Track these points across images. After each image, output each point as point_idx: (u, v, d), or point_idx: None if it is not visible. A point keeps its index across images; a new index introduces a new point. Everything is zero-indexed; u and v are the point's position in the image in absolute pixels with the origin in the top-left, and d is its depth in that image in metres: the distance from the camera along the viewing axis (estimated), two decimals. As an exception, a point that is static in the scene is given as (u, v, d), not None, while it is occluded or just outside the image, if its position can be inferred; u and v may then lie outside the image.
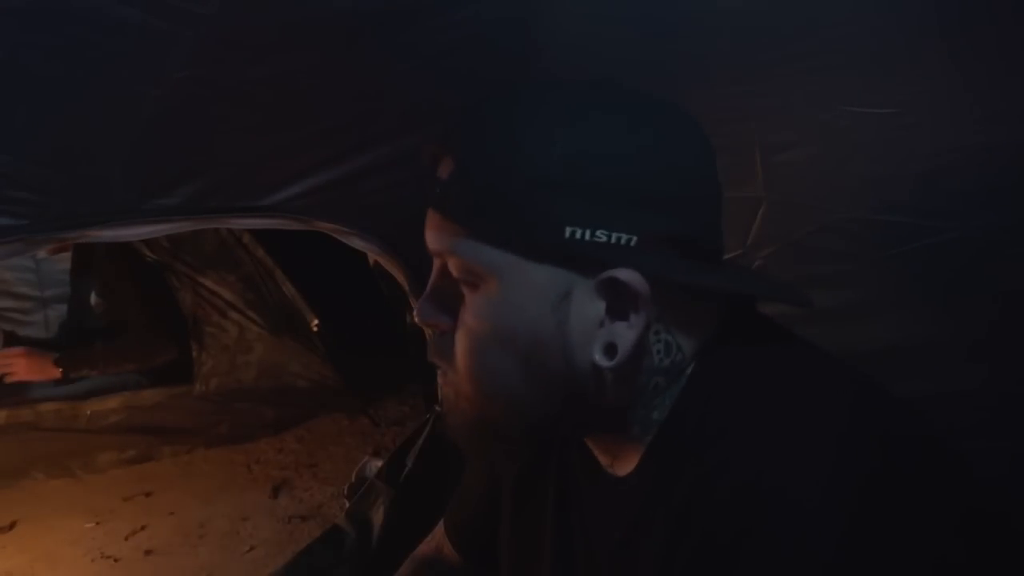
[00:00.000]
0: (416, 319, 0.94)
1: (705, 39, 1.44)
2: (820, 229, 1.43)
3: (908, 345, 1.42)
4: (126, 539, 2.63)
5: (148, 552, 2.56)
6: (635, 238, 0.79)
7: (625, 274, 0.79)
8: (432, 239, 0.89)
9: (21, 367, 3.02)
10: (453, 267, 0.87)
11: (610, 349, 0.83)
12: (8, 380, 3.04)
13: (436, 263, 0.92)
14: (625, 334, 0.82)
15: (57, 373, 3.00)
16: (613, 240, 0.79)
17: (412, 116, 1.67)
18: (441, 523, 1.36)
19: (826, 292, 1.46)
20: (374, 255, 1.91)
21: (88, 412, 2.98)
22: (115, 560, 2.53)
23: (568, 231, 0.79)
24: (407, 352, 2.28)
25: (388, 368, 3.13)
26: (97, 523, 2.73)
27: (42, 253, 3.18)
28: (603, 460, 0.95)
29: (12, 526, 2.69)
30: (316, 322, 3.05)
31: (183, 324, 3.08)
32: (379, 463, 2.33)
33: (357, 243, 1.84)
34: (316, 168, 1.65)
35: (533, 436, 0.96)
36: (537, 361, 0.85)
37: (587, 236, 0.79)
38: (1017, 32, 1.27)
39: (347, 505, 2.25)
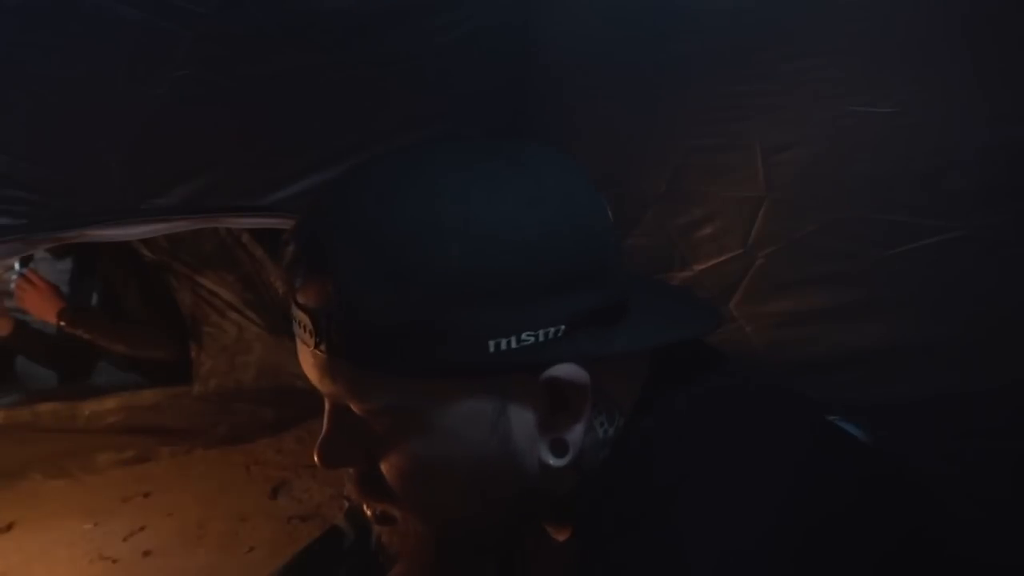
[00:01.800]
0: (320, 464, 0.82)
1: (706, 39, 1.44)
2: (821, 228, 1.43)
3: (908, 345, 1.42)
4: (124, 540, 2.63)
5: (147, 553, 2.55)
6: (563, 327, 0.72)
7: (564, 370, 0.73)
8: (321, 382, 0.77)
9: (30, 297, 3.03)
10: (360, 411, 0.77)
11: (558, 446, 0.77)
12: (13, 302, 3.09)
13: (328, 402, 0.82)
14: (572, 427, 0.76)
15: (53, 318, 3.01)
16: (541, 338, 0.71)
17: (410, 115, 1.67)
18: None
19: (826, 291, 1.46)
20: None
21: (86, 412, 2.98)
22: (113, 561, 2.52)
23: (492, 344, 0.69)
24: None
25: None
26: (95, 524, 2.72)
27: (41, 253, 3.18)
28: (549, 528, 0.91)
29: (9, 527, 2.69)
30: (315, 322, 3.05)
31: (182, 327, 3.07)
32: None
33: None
34: (315, 167, 1.65)
35: (493, 541, 0.89)
36: (482, 484, 0.78)
37: (513, 344, 0.70)
38: (1019, 31, 1.27)
39: (346, 505, 2.25)
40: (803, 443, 0.76)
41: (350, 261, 0.70)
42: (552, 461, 0.77)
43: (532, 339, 0.70)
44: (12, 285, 3.07)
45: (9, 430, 2.91)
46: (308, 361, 0.77)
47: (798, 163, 1.49)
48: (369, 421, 0.77)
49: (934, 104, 1.35)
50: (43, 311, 3.02)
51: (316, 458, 0.82)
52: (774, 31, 1.42)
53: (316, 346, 0.74)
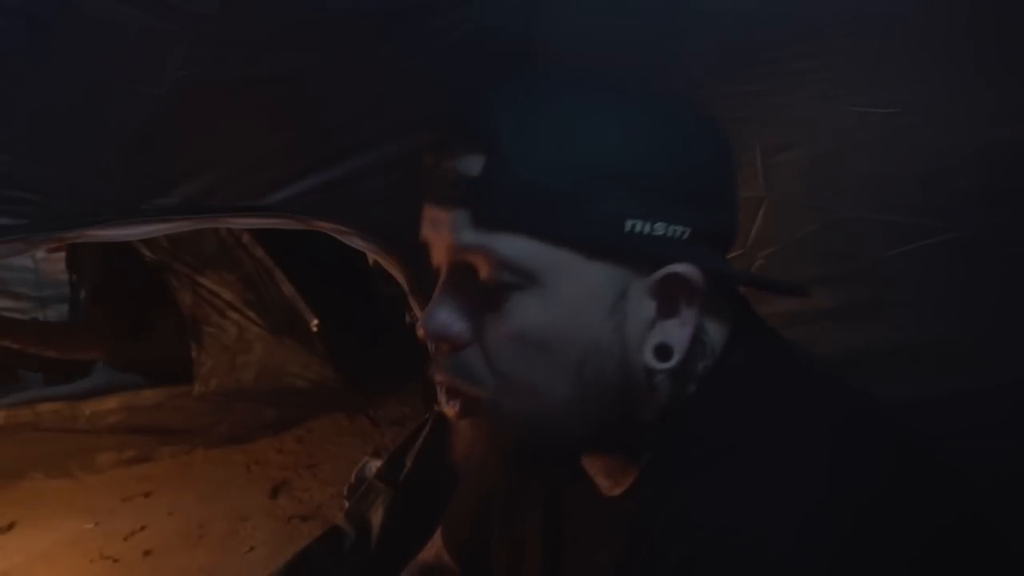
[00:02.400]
0: (423, 332, 0.83)
1: (706, 39, 1.44)
2: (821, 229, 1.43)
3: (909, 345, 1.42)
4: (125, 540, 2.63)
5: (147, 553, 2.56)
6: (688, 231, 0.77)
7: (685, 268, 0.77)
8: (458, 243, 0.80)
9: None
10: (492, 268, 0.78)
11: (663, 351, 0.80)
12: None
13: (447, 270, 0.84)
14: (679, 332, 0.79)
15: None
16: (669, 234, 0.76)
17: (412, 115, 1.67)
18: (439, 531, 1.34)
19: (827, 292, 1.45)
20: (374, 255, 1.91)
21: (87, 412, 2.98)
22: (114, 561, 2.53)
23: (628, 224, 0.75)
24: (407, 352, 2.27)
25: (387, 368, 3.13)
26: (96, 523, 2.73)
27: (41, 253, 3.18)
28: (600, 480, 0.92)
29: (11, 527, 2.70)
30: (316, 322, 3.05)
31: (142, 322, 3.07)
32: (378, 463, 2.33)
33: (357, 243, 1.84)
34: (316, 168, 1.65)
35: (573, 459, 0.89)
36: (592, 370, 0.79)
37: (646, 230, 0.76)
38: (1019, 31, 1.27)
39: (347, 505, 2.25)
40: (869, 422, 0.80)
41: (514, 123, 0.77)
42: (655, 363, 0.79)
43: (662, 231, 0.76)
44: None
45: (10, 430, 2.91)
46: (444, 225, 0.80)
47: (798, 163, 1.49)
48: (493, 287, 0.79)
49: (934, 104, 1.35)
50: None
51: (420, 328, 0.83)
52: (774, 32, 1.42)
53: (463, 205, 0.78)
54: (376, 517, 2.14)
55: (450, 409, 0.84)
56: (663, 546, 0.73)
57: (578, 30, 1.61)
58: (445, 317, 0.81)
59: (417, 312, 2.05)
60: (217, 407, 3.11)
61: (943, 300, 1.29)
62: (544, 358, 0.79)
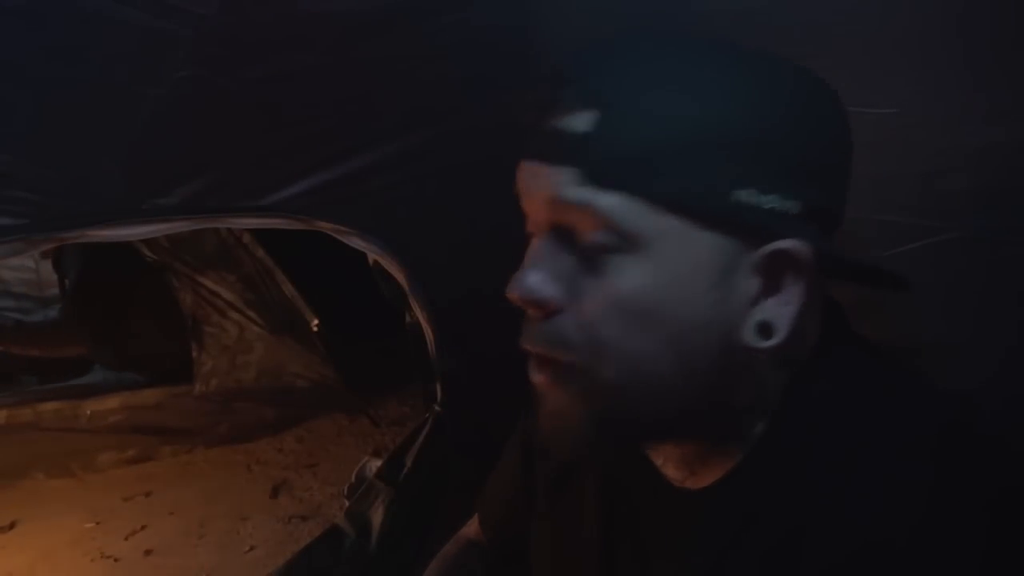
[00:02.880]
0: (516, 295, 0.78)
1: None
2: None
3: (908, 346, 1.42)
4: (126, 539, 2.63)
5: (148, 552, 2.56)
6: (798, 205, 0.74)
7: (795, 245, 0.73)
8: (559, 198, 0.76)
9: None
10: (597, 228, 0.75)
11: (764, 329, 0.76)
12: None
13: (545, 229, 0.80)
14: (782, 312, 0.75)
15: None
16: (780, 207, 0.73)
17: (411, 116, 1.67)
18: (474, 519, 1.34)
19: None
20: (374, 255, 1.91)
21: (88, 412, 2.98)
22: (115, 560, 2.53)
23: (740, 195, 0.72)
24: (407, 352, 2.27)
25: (388, 368, 3.13)
26: (97, 523, 2.72)
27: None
28: (671, 470, 0.88)
29: (12, 526, 2.69)
30: (316, 322, 3.05)
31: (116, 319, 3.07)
32: (378, 463, 2.32)
33: (357, 243, 1.84)
34: (316, 168, 1.65)
35: (661, 437, 0.85)
36: (690, 345, 0.76)
37: (758, 202, 0.72)
38: (1017, 30, 1.27)
39: (347, 505, 2.25)
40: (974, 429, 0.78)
41: (629, 82, 0.74)
42: (757, 342, 0.75)
43: (773, 205, 0.72)
44: None
45: (11, 430, 2.91)
46: (547, 181, 0.77)
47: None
48: (594, 250, 0.75)
49: (933, 104, 1.35)
50: None
51: (510, 291, 0.78)
52: (774, 33, 1.41)
53: (570, 161, 0.75)
54: (376, 516, 2.14)
55: (539, 378, 0.81)
56: (812, 547, 0.73)
57: (577, 32, 1.61)
58: (538, 280, 0.77)
59: (417, 312, 2.05)
60: (218, 407, 3.11)
61: (942, 301, 1.28)
62: (643, 327, 0.75)
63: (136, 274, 3.10)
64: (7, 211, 1.37)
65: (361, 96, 1.61)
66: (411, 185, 1.73)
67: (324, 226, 1.76)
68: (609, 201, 0.73)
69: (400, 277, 1.97)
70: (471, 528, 1.33)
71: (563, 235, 0.78)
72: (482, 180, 1.82)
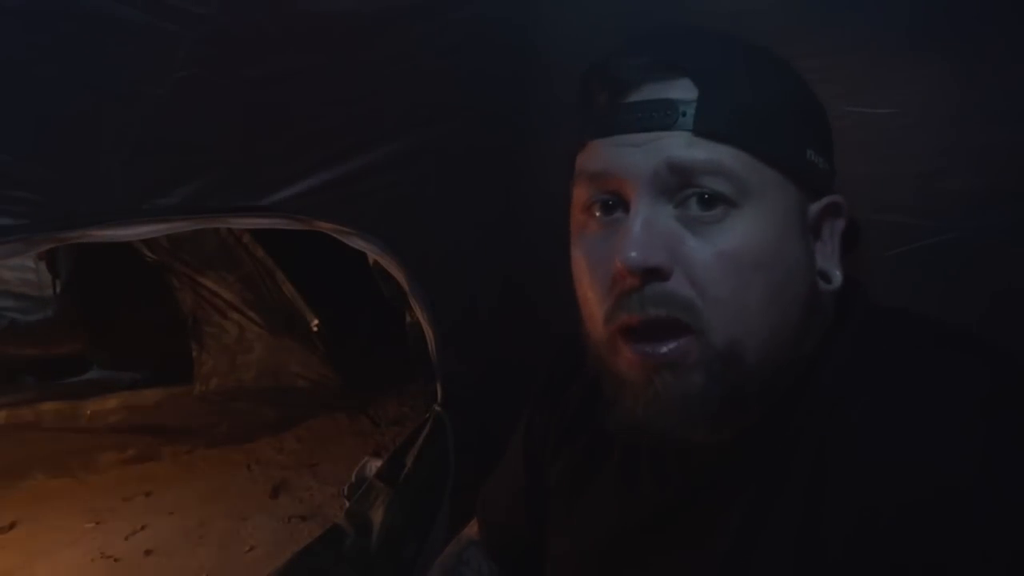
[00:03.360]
0: (628, 266, 0.78)
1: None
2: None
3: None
4: (126, 539, 2.63)
5: (148, 552, 2.55)
6: (830, 167, 0.90)
7: (839, 199, 0.88)
8: (679, 158, 0.80)
9: None
10: (716, 183, 0.80)
11: (824, 276, 0.86)
12: None
13: (640, 197, 0.82)
14: (832, 258, 0.88)
15: None
16: (823, 167, 0.88)
17: (412, 116, 1.67)
18: (473, 523, 1.34)
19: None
20: (374, 255, 1.90)
21: (88, 412, 2.98)
22: (115, 560, 2.52)
23: (809, 153, 0.85)
24: (407, 352, 2.27)
25: (388, 368, 3.13)
26: (97, 523, 2.72)
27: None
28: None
29: (12, 526, 2.69)
30: (316, 322, 3.05)
31: (105, 315, 3.06)
32: (378, 463, 2.32)
33: (357, 243, 1.84)
34: (316, 168, 1.65)
35: (768, 394, 0.84)
36: (790, 294, 0.83)
37: (818, 160, 0.86)
38: (1017, 31, 1.27)
39: (347, 505, 2.25)
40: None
41: (720, 54, 0.87)
42: (824, 285, 0.86)
43: (823, 164, 0.88)
44: None
45: (11, 430, 2.91)
46: (661, 150, 0.81)
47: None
48: (701, 208, 0.81)
49: (933, 105, 1.35)
50: None
51: (620, 261, 0.79)
52: (773, 33, 1.41)
53: (684, 127, 0.81)
54: (376, 516, 2.14)
55: (673, 349, 0.80)
56: (864, 490, 0.76)
57: (578, 31, 1.61)
58: (646, 246, 0.79)
59: (417, 312, 2.05)
60: (217, 407, 3.11)
61: (942, 301, 1.28)
62: (757, 278, 0.80)
63: (133, 273, 3.10)
64: (7, 211, 1.37)
65: (361, 96, 1.61)
66: (411, 185, 1.73)
67: (324, 226, 1.76)
68: (725, 154, 0.80)
69: (400, 277, 1.96)
70: (472, 530, 1.33)
71: (659, 201, 0.82)
72: (482, 180, 1.82)
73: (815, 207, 0.86)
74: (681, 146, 0.80)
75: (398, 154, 1.71)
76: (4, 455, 2.88)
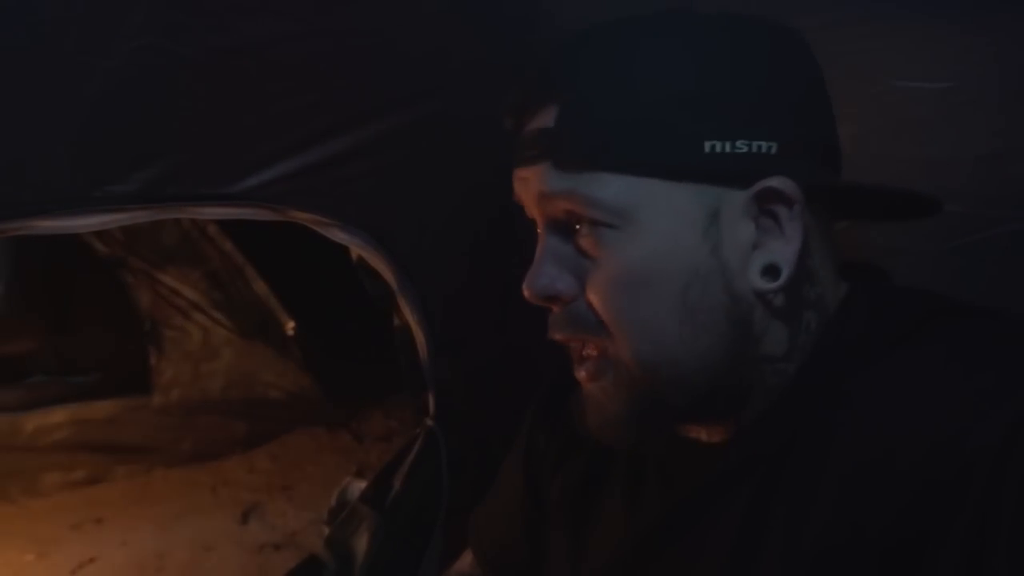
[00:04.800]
0: (530, 294, 0.92)
1: (739, 5, 1.44)
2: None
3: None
4: (72, 573, 2.63)
5: (99, 588, 2.56)
6: (775, 146, 0.84)
7: (777, 181, 0.84)
8: (545, 192, 0.89)
9: None
10: (582, 210, 0.87)
11: (770, 271, 0.86)
12: None
13: (544, 228, 0.93)
14: (784, 250, 0.85)
15: None
16: (754, 150, 0.84)
17: (400, 92, 1.67)
18: (464, 556, 1.36)
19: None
20: (357, 249, 1.90)
21: (30, 427, 2.97)
22: (60, 597, 2.53)
23: (707, 145, 0.83)
24: (394, 359, 2.28)
25: (372, 377, 3.13)
26: (38, 554, 2.73)
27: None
28: (695, 430, 0.97)
29: (-57, 558, 2.70)
30: (292, 325, 3.06)
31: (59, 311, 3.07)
32: (363, 484, 2.33)
33: (338, 235, 1.84)
34: (292, 151, 1.64)
35: (697, 404, 0.91)
36: (696, 296, 0.86)
37: (727, 148, 0.83)
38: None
39: (326, 532, 2.25)
40: None
41: (581, 68, 0.89)
42: (762, 282, 0.86)
43: (745, 148, 0.83)
44: None
45: (-57, 448, 2.91)
46: (536, 183, 0.90)
47: (843, 143, 1.49)
48: (587, 233, 0.88)
49: (996, 78, 1.34)
50: None
51: (525, 290, 0.92)
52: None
53: (547, 158, 0.88)
54: (360, 545, 2.14)
55: (581, 374, 0.94)
56: (887, 470, 0.78)
57: (568, 10, 1.62)
58: (549, 276, 0.91)
59: (406, 314, 2.06)
60: (179, 421, 3.11)
61: (1005, 298, 1.28)
62: (649, 296, 0.86)
63: (82, 269, 3.10)
64: (-60, 201, 1.37)
65: (343, 70, 1.61)
66: (400, 170, 1.73)
67: (301, 216, 1.75)
68: (588, 183, 0.86)
69: (387, 274, 1.97)
70: (463, 563, 1.35)
71: (560, 228, 0.92)
72: (479, 167, 1.82)
73: (742, 196, 0.86)
74: (546, 179, 0.89)
75: (385, 135, 1.70)
76: (-65, 477, 2.89)
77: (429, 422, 2.20)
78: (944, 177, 1.39)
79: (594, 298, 0.89)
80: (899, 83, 1.39)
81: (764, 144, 0.84)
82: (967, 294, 1.15)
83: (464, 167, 1.78)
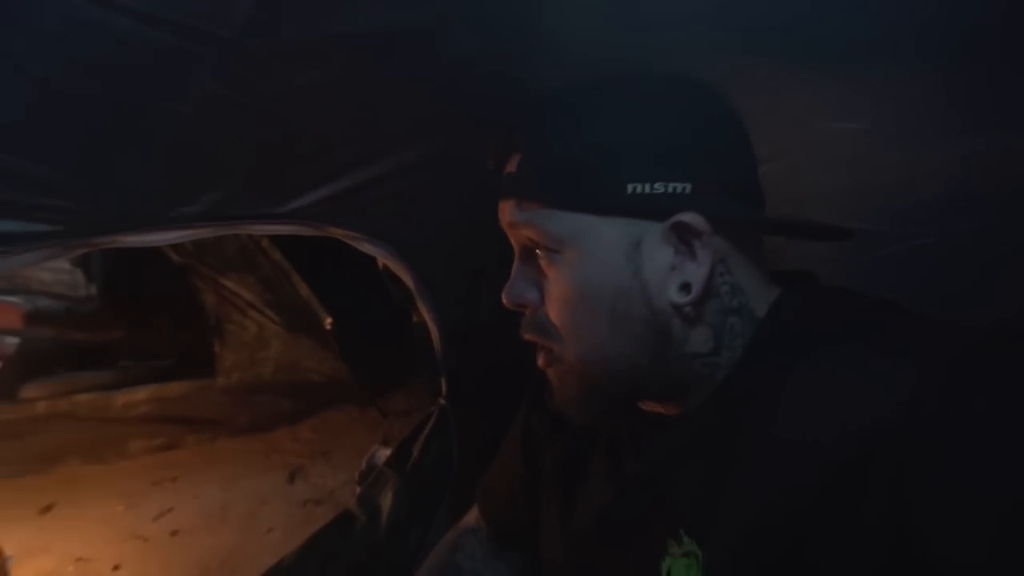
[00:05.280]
0: (506, 301, 0.99)
1: (693, 60, 1.43)
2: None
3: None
4: (154, 520, 2.62)
5: (174, 533, 2.54)
6: (689, 186, 0.86)
7: (687, 216, 0.86)
8: (511, 222, 0.96)
9: None
10: (537, 238, 0.93)
11: (684, 288, 0.88)
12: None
13: (517, 251, 1.00)
14: (695, 272, 0.87)
15: (15, 321, 2.98)
16: (670, 190, 0.86)
17: (414, 130, 1.67)
18: (473, 509, 1.36)
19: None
20: (383, 259, 1.90)
21: (120, 403, 2.97)
22: (144, 540, 2.51)
23: (630, 187, 0.86)
24: (413, 349, 2.26)
25: (395, 363, 3.11)
26: (127, 506, 2.72)
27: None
28: (654, 407, 0.99)
29: (50, 508, 2.69)
30: (329, 321, 3.04)
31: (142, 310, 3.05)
32: (387, 452, 2.31)
33: (367, 248, 1.83)
34: (329, 178, 1.64)
35: (633, 390, 0.97)
36: (622, 309, 0.89)
37: (647, 189, 0.86)
38: (976, 53, 1.26)
39: (358, 491, 2.23)
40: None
41: (532, 126, 0.95)
42: (676, 296, 0.88)
43: (662, 189, 0.86)
44: None
45: (49, 419, 2.91)
46: (507, 215, 0.97)
47: (776, 175, 1.47)
48: (542, 256, 0.94)
49: (902, 120, 1.34)
50: (6, 322, 3.00)
51: (503, 298, 0.99)
52: (753, 56, 1.41)
53: (513, 196, 0.95)
54: (385, 502, 2.12)
55: (540, 361, 0.99)
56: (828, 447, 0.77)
57: (566, 57, 1.61)
58: (519, 288, 0.98)
59: (423, 312, 2.05)
60: (238, 399, 3.10)
61: (914, 302, 1.27)
62: (585, 308, 0.91)
63: (161, 275, 3.09)
64: (44, 218, 1.36)
65: (368, 110, 1.60)
66: (416, 194, 1.72)
67: (336, 232, 1.75)
68: (539, 217, 0.92)
69: (407, 279, 1.96)
70: (470, 517, 1.34)
71: (526, 251, 0.98)
72: (482, 195, 1.81)
73: (660, 228, 0.88)
74: (513, 212, 0.96)
75: (403, 165, 1.69)
76: (42, 443, 2.88)
77: (442, 401, 2.19)
78: (863, 201, 1.39)
79: (549, 310, 0.95)
80: (825, 125, 1.39)
81: (679, 185, 0.86)
82: (883, 296, 1.15)
83: (470, 194, 1.77)
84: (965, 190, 1.32)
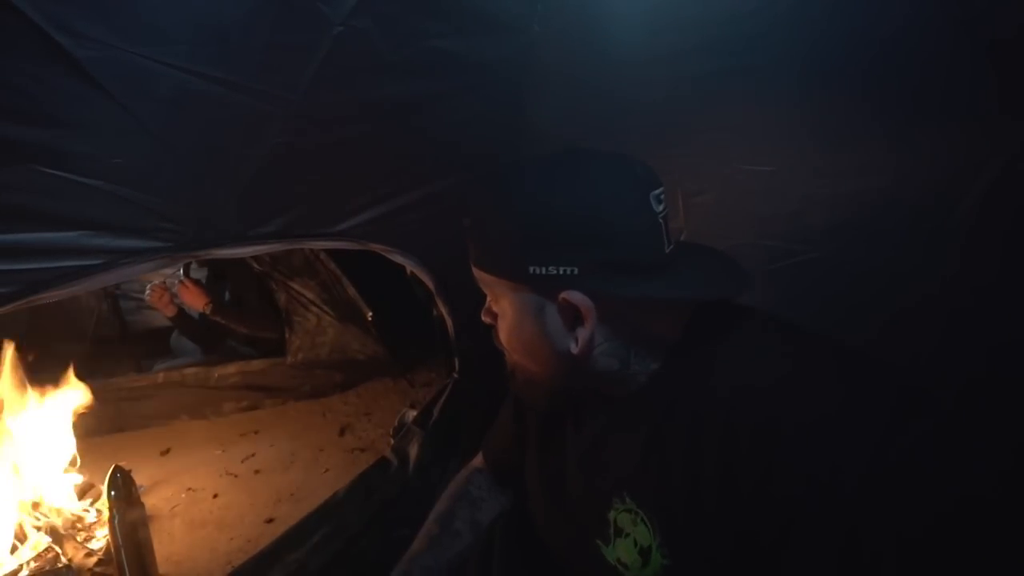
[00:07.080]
0: (483, 320, 0.97)
1: (644, 119, 1.43)
2: (725, 250, 1.42)
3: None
4: (242, 462, 2.61)
5: (257, 471, 2.53)
6: (576, 268, 0.80)
7: (572, 295, 0.81)
8: (478, 280, 0.92)
9: (187, 293, 3.01)
10: (486, 291, 0.92)
11: (576, 342, 0.85)
12: (175, 299, 3.09)
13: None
14: (583, 333, 0.84)
15: (202, 308, 2.99)
16: (561, 272, 0.81)
17: (436, 169, 1.68)
18: (479, 455, 1.34)
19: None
20: (411, 267, 1.89)
21: (216, 375, 2.98)
22: (235, 476, 2.51)
23: (530, 268, 0.81)
24: (434, 335, 2.25)
25: (420, 347, 3.09)
26: (223, 451, 2.70)
27: (194, 265, 3.20)
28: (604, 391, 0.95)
29: (167, 451, 2.70)
30: (370, 314, 3.02)
31: (279, 315, 3.05)
32: (414, 413, 2.29)
33: (399, 259, 1.83)
34: (370, 206, 1.65)
35: (568, 392, 0.97)
36: (535, 352, 0.89)
37: (542, 271, 0.81)
38: (848, 116, 1.26)
39: (392, 442, 2.22)
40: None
41: (474, 206, 0.89)
42: (573, 348, 0.85)
43: (555, 271, 0.81)
44: (176, 286, 3.05)
45: (166, 386, 2.93)
46: (473, 271, 0.92)
47: (707, 205, 1.49)
48: (490, 302, 0.93)
49: (798, 165, 1.34)
50: (195, 303, 3.01)
51: (483, 317, 0.96)
52: (692, 113, 1.41)
53: (472, 260, 0.90)
54: (412, 451, 2.11)
55: (507, 364, 0.97)
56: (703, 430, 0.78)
57: (557, 116, 1.60)
58: (485, 314, 0.95)
59: (441, 307, 2.04)
60: (303, 372, 3.08)
61: (803, 303, 1.26)
62: (516, 345, 0.90)
63: (247, 278, 3.08)
64: (158, 237, 1.37)
65: (400, 155, 1.61)
66: (437, 217, 1.72)
67: (376, 247, 1.74)
68: (481, 276, 0.90)
69: (429, 283, 1.95)
70: (477, 460, 1.33)
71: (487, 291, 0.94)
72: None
73: (555, 303, 0.84)
74: (474, 271, 0.91)
75: (428, 195, 1.71)
76: (162, 403, 2.89)
77: (455, 375, 2.18)
78: (768, 226, 1.39)
79: (500, 336, 0.92)
80: (741, 167, 1.39)
81: (567, 268, 0.80)
82: (780, 298, 1.13)
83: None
84: (841, 218, 1.32)
